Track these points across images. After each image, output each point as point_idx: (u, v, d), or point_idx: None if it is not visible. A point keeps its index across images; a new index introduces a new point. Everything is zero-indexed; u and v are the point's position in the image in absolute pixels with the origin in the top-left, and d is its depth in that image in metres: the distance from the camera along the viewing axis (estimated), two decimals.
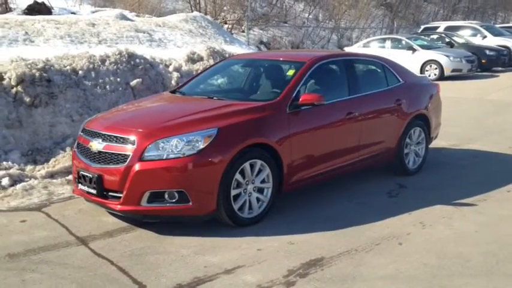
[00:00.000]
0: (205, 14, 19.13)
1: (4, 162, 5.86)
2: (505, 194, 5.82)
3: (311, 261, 3.99)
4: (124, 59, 7.30)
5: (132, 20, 13.79)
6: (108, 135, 4.54)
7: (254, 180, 4.67)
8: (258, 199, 4.73)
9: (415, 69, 17.13)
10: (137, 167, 4.28)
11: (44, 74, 6.50)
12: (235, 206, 4.53)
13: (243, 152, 4.51)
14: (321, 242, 4.35)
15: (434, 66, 16.91)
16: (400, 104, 6.13)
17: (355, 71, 5.85)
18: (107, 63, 7.17)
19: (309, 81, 5.35)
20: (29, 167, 5.94)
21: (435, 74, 16.83)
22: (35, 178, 5.77)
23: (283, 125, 4.87)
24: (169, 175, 4.26)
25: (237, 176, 4.50)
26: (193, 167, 4.27)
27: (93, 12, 16.06)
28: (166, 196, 4.30)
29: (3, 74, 6.27)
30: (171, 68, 7.84)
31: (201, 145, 4.31)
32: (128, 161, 4.31)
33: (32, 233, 4.48)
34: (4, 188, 5.48)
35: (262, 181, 4.74)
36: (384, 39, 18.23)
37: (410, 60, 17.08)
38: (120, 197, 4.36)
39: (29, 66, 6.45)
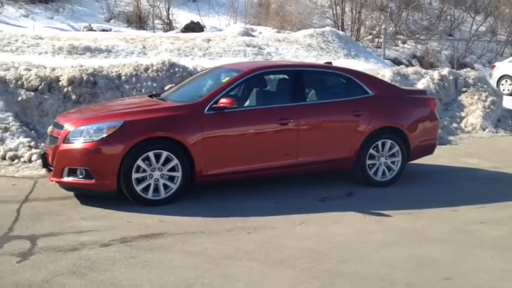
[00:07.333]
0: (351, 30, 19.61)
1: (43, 144, 7.60)
2: (442, 213, 5.72)
3: (150, 234, 4.75)
4: (165, 68, 8.61)
5: (253, 36, 15.15)
6: (56, 123, 5.86)
7: (161, 168, 5.51)
8: (165, 185, 5.56)
9: None
10: (61, 147, 5.49)
11: (91, 78, 8.14)
12: (138, 188, 5.43)
13: (146, 143, 5.41)
14: (183, 224, 5.03)
15: None
16: (358, 115, 6.28)
17: (303, 82, 6.23)
18: (149, 70, 8.56)
19: (241, 89, 5.96)
20: None
21: None
22: None
23: (197, 124, 5.61)
24: (79, 155, 5.38)
25: (140, 162, 5.40)
26: (95, 150, 5.33)
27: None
28: (78, 172, 5.43)
29: (59, 77, 8.07)
30: None
31: (104, 134, 5.35)
32: (57, 142, 5.56)
33: (2, 192, 5.98)
34: (30, 161, 7.17)
35: (172, 170, 5.55)
36: None
37: None
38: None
39: (80, 71, 8.15)
